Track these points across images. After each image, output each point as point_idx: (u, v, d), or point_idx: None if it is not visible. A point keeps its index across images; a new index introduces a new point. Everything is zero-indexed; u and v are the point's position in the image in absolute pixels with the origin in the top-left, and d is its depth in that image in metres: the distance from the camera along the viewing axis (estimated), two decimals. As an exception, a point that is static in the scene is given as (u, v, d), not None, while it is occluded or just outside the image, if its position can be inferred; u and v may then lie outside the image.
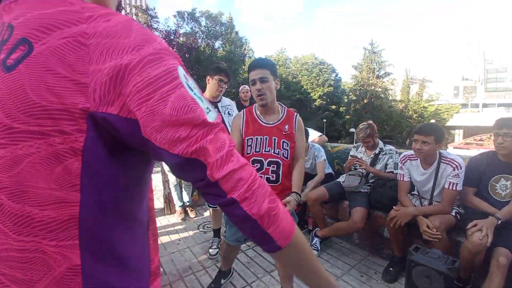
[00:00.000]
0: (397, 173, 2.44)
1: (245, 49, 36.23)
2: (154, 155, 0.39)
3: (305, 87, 40.07)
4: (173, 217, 3.63)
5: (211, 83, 2.39)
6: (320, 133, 3.69)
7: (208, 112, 0.40)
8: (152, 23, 13.80)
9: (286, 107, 1.64)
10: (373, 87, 34.15)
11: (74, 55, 0.33)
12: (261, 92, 1.45)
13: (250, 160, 1.52)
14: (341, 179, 2.83)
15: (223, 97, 2.60)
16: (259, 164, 1.51)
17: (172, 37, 12.56)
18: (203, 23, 28.73)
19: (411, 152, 2.25)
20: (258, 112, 1.57)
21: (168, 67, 0.37)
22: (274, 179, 1.51)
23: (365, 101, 34.07)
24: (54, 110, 0.33)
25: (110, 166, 0.38)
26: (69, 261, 0.37)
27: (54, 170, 0.34)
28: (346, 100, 39.41)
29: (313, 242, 2.62)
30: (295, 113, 1.61)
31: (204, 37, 27.10)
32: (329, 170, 3.23)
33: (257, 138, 1.52)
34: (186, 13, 27.36)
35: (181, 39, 13.14)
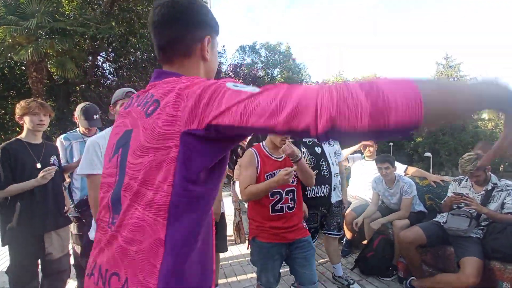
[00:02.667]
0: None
1: (302, 74, 36.72)
2: (237, 129, 0.51)
3: (367, 108, 37.83)
4: (243, 246, 3.60)
5: None
6: (406, 165, 3.25)
7: (254, 90, 0.52)
8: (220, 58, 15.42)
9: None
10: (450, 106, 30.07)
11: (176, 102, 0.56)
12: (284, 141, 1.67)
13: (270, 193, 1.66)
14: (440, 219, 2.40)
15: None
16: (278, 196, 1.68)
17: (238, 70, 13.61)
18: (262, 54, 30.56)
19: None
20: (267, 149, 1.76)
21: (218, 85, 0.54)
22: (292, 206, 1.69)
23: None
24: (166, 134, 0.55)
25: (192, 172, 0.55)
26: (158, 234, 0.55)
27: (162, 170, 0.55)
28: (416, 121, 35.47)
29: (409, 294, 2.21)
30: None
31: (263, 66, 28.65)
32: (420, 207, 2.79)
33: (274, 173, 1.68)
34: (247, 46, 29.64)
35: (245, 69, 14.15)
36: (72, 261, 2.45)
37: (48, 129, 11.45)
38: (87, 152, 1.60)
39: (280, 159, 1.75)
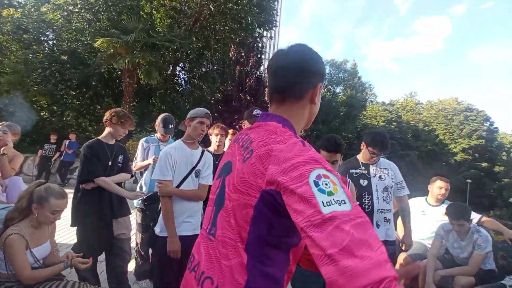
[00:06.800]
0: None
1: (367, 94, 34.87)
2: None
3: (441, 137, 33.57)
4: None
5: (364, 151, 2.33)
6: (480, 215, 2.80)
7: (324, 206, 0.53)
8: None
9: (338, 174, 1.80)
10: (557, 145, 24.48)
11: (265, 160, 0.66)
12: None
13: None
14: (508, 281, 2.09)
15: (382, 159, 2.38)
16: None
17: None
18: (326, 71, 30.22)
19: None
20: None
21: (302, 172, 0.58)
22: None
23: (541, 163, 24.67)
24: (250, 184, 0.67)
25: (266, 218, 0.65)
26: (241, 258, 0.66)
27: (242, 212, 0.68)
28: (505, 158, 29.95)
29: None
30: (347, 179, 2.00)
31: (327, 84, 28.31)
32: (491, 265, 2.41)
33: None
34: (311, 62, 29.66)
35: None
36: (133, 245, 2.86)
37: (130, 125, 13.47)
38: (160, 160, 1.90)
39: None
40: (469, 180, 26.84)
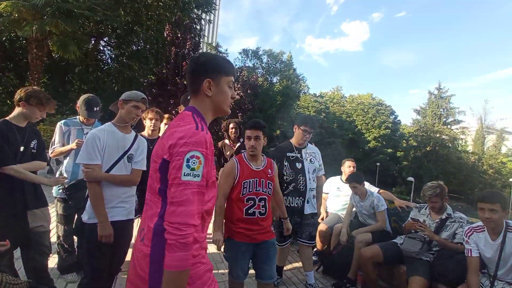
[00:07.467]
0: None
1: (301, 85, 37.34)
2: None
3: (359, 127, 38.70)
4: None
5: (297, 132, 2.65)
6: (378, 188, 3.50)
7: (184, 175, 0.91)
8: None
9: (265, 156, 2.12)
10: (438, 135, 31.08)
11: (169, 138, 0.97)
12: (253, 147, 1.98)
13: (245, 198, 1.93)
14: (398, 240, 2.64)
15: (309, 144, 2.77)
16: (252, 202, 1.93)
17: (239, 74, 13.76)
18: (264, 60, 31.01)
19: (477, 223, 2.06)
20: (247, 159, 2.03)
21: (183, 150, 0.91)
22: (263, 212, 1.96)
23: (427, 149, 31.03)
24: (158, 154, 1.00)
25: (166, 178, 0.96)
26: (157, 208, 0.98)
27: (156, 174, 1.00)
28: (404, 145, 36.58)
29: (362, 304, 2.44)
30: (273, 161, 2.13)
31: (264, 72, 29.06)
32: (387, 228, 3.04)
33: (251, 181, 1.95)
34: (250, 51, 30.01)
35: (245, 73, 14.27)
36: (55, 239, 2.58)
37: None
38: (86, 143, 1.74)
39: (258, 169, 2.00)
40: (378, 163, 32.00)
